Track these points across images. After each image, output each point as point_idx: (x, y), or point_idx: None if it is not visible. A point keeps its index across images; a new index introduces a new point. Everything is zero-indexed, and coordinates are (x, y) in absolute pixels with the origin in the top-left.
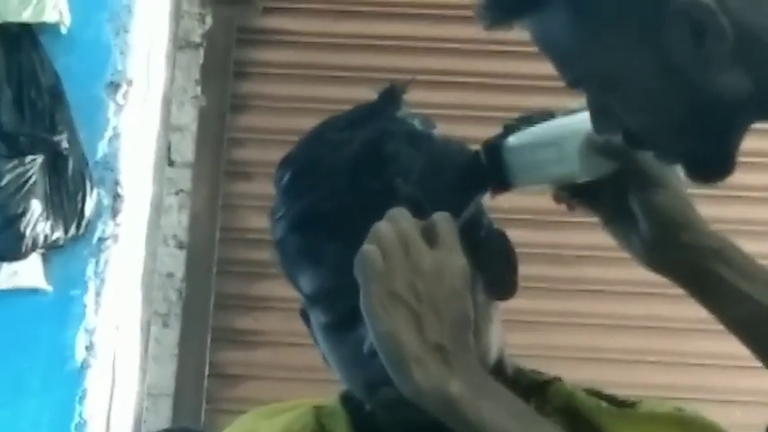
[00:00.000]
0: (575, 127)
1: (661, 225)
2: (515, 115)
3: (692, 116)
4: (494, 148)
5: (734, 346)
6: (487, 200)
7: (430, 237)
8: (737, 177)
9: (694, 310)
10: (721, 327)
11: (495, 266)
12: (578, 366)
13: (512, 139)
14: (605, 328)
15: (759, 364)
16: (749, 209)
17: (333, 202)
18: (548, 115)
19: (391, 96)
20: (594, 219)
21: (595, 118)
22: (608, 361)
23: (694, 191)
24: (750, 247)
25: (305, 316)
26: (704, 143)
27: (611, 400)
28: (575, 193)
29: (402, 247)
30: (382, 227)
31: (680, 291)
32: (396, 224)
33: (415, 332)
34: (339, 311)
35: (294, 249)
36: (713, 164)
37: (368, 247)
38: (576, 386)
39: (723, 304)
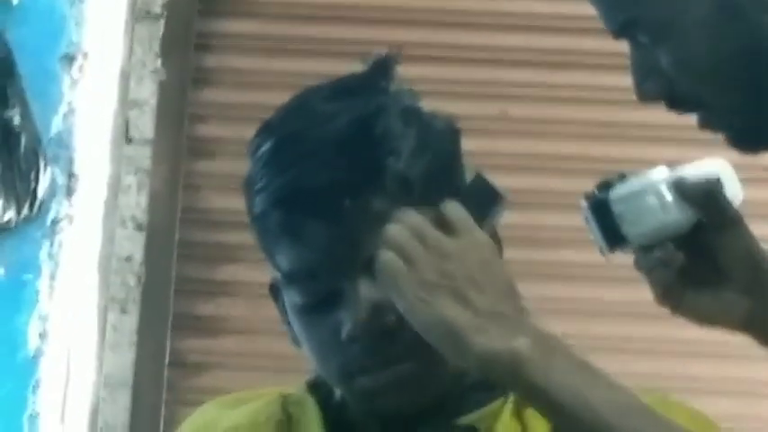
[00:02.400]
0: (658, 178)
1: (755, 267)
2: (493, 89)
3: (746, 67)
4: (601, 201)
5: (720, 335)
6: None
7: (443, 225)
8: None
9: None
10: None
11: None
12: None
13: (612, 193)
14: (586, 314)
15: (745, 353)
16: None
17: (320, 177)
18: (622, 176)
19: (383, 68)
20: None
21: (641, 78)
22: (589, 348)
23: None
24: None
25: (274, 292)
26: (754, 99)
27: None
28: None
29: (418, 240)
30: (391, 229)
31: None
32: (404, 222)
33: (464, 308)
34: (318, 293)
35: (275, 224)
36: (760, 128)
37: (385, 255)
38: None
39: None
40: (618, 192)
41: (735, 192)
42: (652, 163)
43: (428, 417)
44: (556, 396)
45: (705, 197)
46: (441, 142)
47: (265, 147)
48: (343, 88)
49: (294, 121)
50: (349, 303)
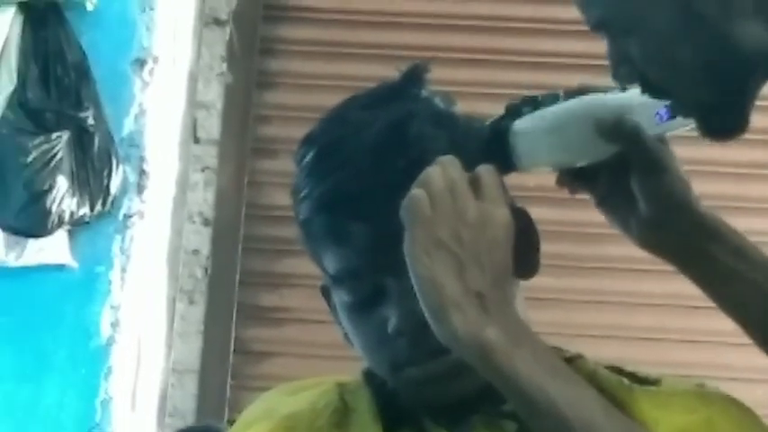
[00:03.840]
0: (579, 112)
1: (662, 208)
2: (531, 92)
3: (710, 66)
4: (500, 131)
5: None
6: (510, 178)
7: (475, 188)
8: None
9: (676, 286)
10: (705, 303)
11: (517, 245)
12: (601, 344)
13: (518, 123)
14: (628, 306)
15: None
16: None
17: (358, 182)
18: (552, 96)
19: (414, 75)
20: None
21: (614, 64)
22: (630, 339)
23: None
24: (739, 223)
25: (326, 293)
26: (720, 95)
27: (633, 376)
28: (574, 176)
29: (450, 194)
30: (433, 172)
31: (660, 267)
32: (446, 170)
33: (456, 279)
34: (363, 291)
35: (319, 229)
36: (727, 119)
37: (417, 192)
38: (599, 363)
39: (715, 283)
40: (524, 123)
41: (658, 128)
42: None
43: (474, 404)
44: (519, 386)
45: (622, 134)
46: (470, 142)
47: (308, 156)
48: (376, 97)
49: (333, 131)
50: (393, 299)
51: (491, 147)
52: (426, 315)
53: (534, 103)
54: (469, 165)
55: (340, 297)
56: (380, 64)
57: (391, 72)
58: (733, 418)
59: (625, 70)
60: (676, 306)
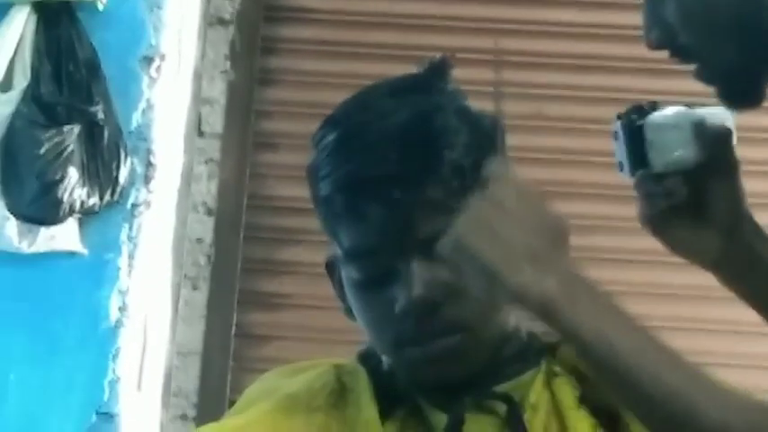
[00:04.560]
0: (681, 115)
1: (736, 212)
2: (534, 92)
3: (742, 23)
4: (637, 126)
5: (734, 313)
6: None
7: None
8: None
9: (694, 278)
10: (721, 294)
11: None
12: None
13: (648, 120)
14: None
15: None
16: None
17: (382, 167)
18: (652, 105)
19: (440, 69)
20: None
21: (648, 29)
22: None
23: None
24: None
25: (330, 268)
26: (747, 57)
27: None
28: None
29: (515, 197)
30: (499, 180)
31: (678, 259)
32: (511, 179)
33: (505, 247)
34: (375, 270)
35: (339, 207)
36: (749, 86)
37: (481, 195)
38: None
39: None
40: (652, 120)
41: (735, 139)
42: None
43: (469, 385)
44: (581, 336)
45: (718, 141)
46: (489, 137)
47: (330, 137)
48: (402, 86)
49: (357, 115)
50: (403, 281)
51: (627, 147)
52: (485, 282)
53: (653, 108)
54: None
55: (349, 273)
56: (378, 63)
57: (389, 70)
58: None
59: (656, 34)
60: (655, 295)
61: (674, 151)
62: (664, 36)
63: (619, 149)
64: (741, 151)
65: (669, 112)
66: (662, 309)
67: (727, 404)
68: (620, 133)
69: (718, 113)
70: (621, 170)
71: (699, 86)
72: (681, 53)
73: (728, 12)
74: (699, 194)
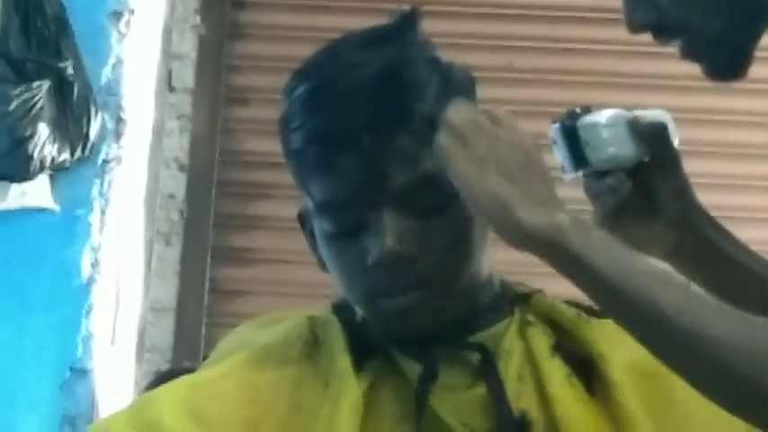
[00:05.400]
0: (618, 115)
1: (683, 205)
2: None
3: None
4: (571, 126)
5: None
6: None
7: (494, 122)
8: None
9: None
10: None
11: None
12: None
13: (580, 121)
14: None
15: None
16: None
17: (353, 119)
18: (586, 109)
19: (409, 20)
20: None
21: (630, 11)
22: None
23: None
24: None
25: (302, 220)
26: (730, 30)
27: (590, 310)
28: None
29: (472, 125)
30: (448, 115)
31: None
32: (459, 110)
33: (509, 186)
34: (347, 222)
35: (311, 159)
36: (732, 59)
37: (441, 136)
38: (557, 297)
39: (724, 277)
40: (585, 121)
41: (674, 136)
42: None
43: (443, 336)
44: (598, 265)
45: (655, 136)
46: (460, 89)
47: (301, 89)
48: (373, 38)
49: (328, 67)
50: (375, 232)
51: (563, 145)
52: (495, 226)
53: (586, 111)
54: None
55: (322, 225)
56: (349, 17)
57: (361, 22)
58: None
59: (641, 14)
60: None
61: (609, 148)
62: (648, 15)
63: (558, 152)
64: (729, 135)
65: (603, 113)
66: None
67: (741, 320)
68: (557, 137)
69: (652, 114)
70: (564, 172)
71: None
72: (666, 31)
73: None
74: (645, 190)
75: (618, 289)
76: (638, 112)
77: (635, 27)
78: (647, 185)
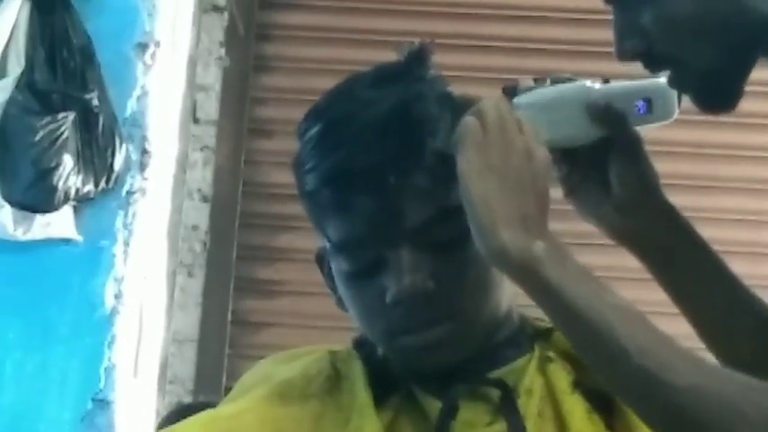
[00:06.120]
0: (570, 94)
1: (635, 191)
2: (523, 77)
3: (723, 32)
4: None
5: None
6: None
7: (518, 127)
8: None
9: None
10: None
11: None
12: None
13: (517, 101)
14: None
15: None
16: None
17: (366, 158)
18: (541, 81)
19: (419, 56)
20: None
21: (620, 38)
22: None
23: None
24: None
25: (320, 261)
26: (725, 61)
27: None
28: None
29: (499, 124)
30: (486, 103)
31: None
32: (498, 104)
33: (506, 200)
34: (365, 261)
35: (325, 200)
36: (725, 91)
37: (470, 119)
38: None
39: (672, 270)
40: (523, 99)
41: (667, 110)
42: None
43: (462, 372)
44: (568, 297)
45: (612, 119)
46: None
47: (314, 130)
48: (384, 76)
49: (340, 107)
50: (393, 270)
51: None
52: (475, 232)
53: (528, 86)
54: None
55: (339, 265)
56: (372, 49)
57: (383, 56)
58: None
59: (631, 43)
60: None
61: (542, 130)
62: (638, 45)
63: None
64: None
65: (549, 90)
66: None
67: (700, 368)
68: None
69: (650, 82)
70: None
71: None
72: (656, 61)
73: (715, 15)
74: (600, 171)
75: (584, 321)
76: (593, 87)
77: (625, 56)
78: (603, 167)
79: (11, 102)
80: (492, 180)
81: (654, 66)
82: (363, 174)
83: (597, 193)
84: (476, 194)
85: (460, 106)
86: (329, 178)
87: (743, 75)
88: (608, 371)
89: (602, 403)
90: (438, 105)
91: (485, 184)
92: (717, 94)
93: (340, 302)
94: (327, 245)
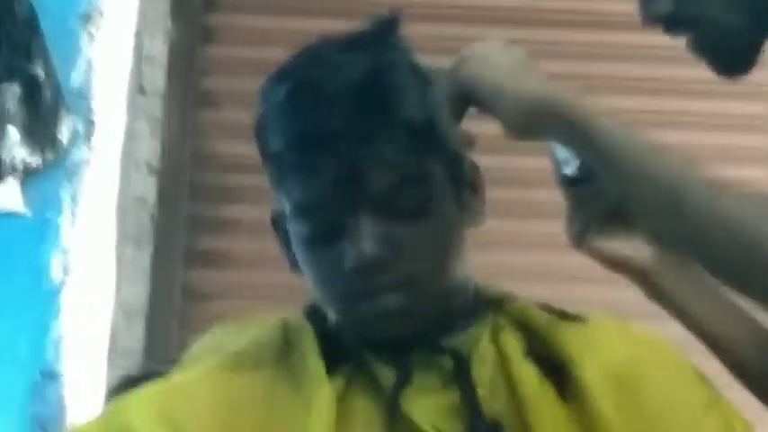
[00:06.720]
0: None
1: None
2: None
3: None
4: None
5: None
6: None
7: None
8: None
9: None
10: None
11: (472, 197)
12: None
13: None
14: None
15: None
16: None
17: (334, 123)
18: None
19: (391, 25)
20: None
21: (646, 1)
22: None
23: None
24: None
25: (276, 222)
26: (746, 24)
27: (562, 314)
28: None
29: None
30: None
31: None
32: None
33: (519, 75)
34: (324, 225)
35: (290, 162)
36: (742, 55)
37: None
38: (529, 301)
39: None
40: None
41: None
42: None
43: (417, 340)
44: (605, 131)
45: None
46: (438, 93)
47: (281, 92)
48: (354, 42)
49: (309, 71)
50: (352, 236)
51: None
52: (496, 101)
53: None
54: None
55: (297, 228)
56: (324, 20)
57: (335, 27)
58: (661, 357)
59: (659, 3)
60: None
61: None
62: (666, 5)
63: (558, 147)
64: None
65: None
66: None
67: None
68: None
69: None
70: (565, 165)
71: None
72: (680, 23)
73: None
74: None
75: (623, 156)
76: None
77: (649, 18)
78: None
79: None
80: (499, 68)
81: (675, 29)
82: (330, 138)
83: (628, 226)
84: (491, 78)
85: (429, 76)
86: (296, 140)
87: (762, 39)
88: (645, 203)
89: (553, 371)
90: (408, 74)
91: (494, 73)
92: (735, 56)
93: (293, 265)
94: (287, 208)
